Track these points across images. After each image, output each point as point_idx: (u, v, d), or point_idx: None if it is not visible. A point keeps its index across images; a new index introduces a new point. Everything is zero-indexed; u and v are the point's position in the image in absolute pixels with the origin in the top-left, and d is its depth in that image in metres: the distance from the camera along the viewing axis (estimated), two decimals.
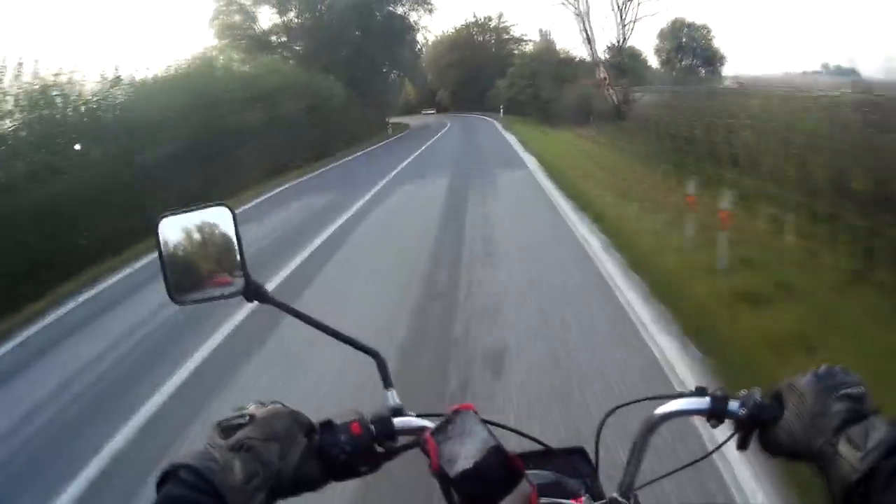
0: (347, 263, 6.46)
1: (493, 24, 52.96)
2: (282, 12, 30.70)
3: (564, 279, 5.08)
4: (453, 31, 54.59)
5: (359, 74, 29.14)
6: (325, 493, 0.67)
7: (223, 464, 0.56)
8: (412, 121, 45.48)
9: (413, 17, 36.55)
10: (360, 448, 0.67)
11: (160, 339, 4.85)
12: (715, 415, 0.69)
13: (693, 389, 0.72)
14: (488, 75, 44.80)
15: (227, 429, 0.64)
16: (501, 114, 34.66)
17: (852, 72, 11.37)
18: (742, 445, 0.69)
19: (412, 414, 0.75)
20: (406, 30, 35.72)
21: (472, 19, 53.89)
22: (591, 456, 0.80)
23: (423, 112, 59.82)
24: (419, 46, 40.32)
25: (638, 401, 0.77)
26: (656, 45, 40.17)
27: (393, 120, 52.87)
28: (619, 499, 0.73)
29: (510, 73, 34.42)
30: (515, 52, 48.93)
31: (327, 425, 0.68)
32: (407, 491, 2.02)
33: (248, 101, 15.88)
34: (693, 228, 5.65)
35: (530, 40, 49.45)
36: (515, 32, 52.51)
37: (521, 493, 0.61)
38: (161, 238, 0.81)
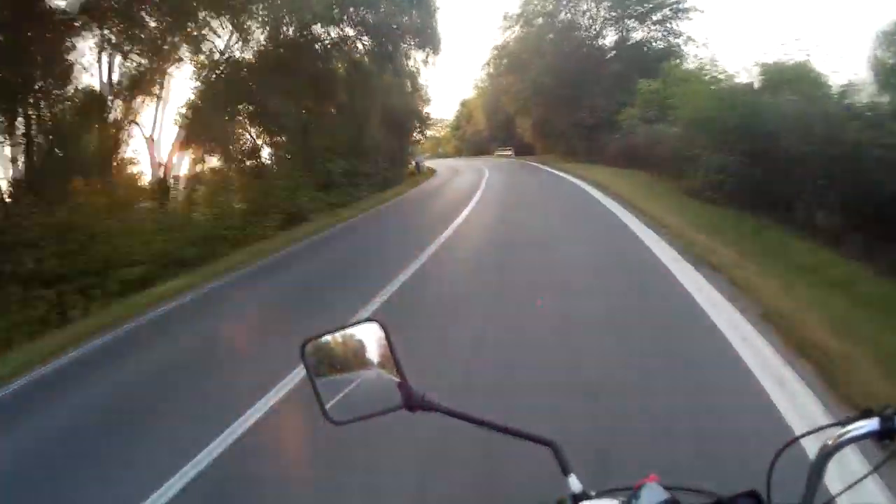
0: None
1: None
2: None
3: None
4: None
5: None
6: None
7: None
8: (454, 173, 25.43)
9: None
10: None
11: None
12: (885, 435, 0.67)
13: (859, 413, 0.69)
14: (618, 83, 22.66)
15: None
16: None
17: None
18: None
19: (593, 495, 0.74)
20: None
21: None
22: (764, 497, 0.74)
23: (498, 152, 40.02)
24: None
25: (804, 435, 0.75)
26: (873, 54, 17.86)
27: (432, 162, 33.66)
28: None
29: None
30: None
31: None
32: None
33: None
34: None
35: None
36: None
37: None
38: (307, 360, 0.83)
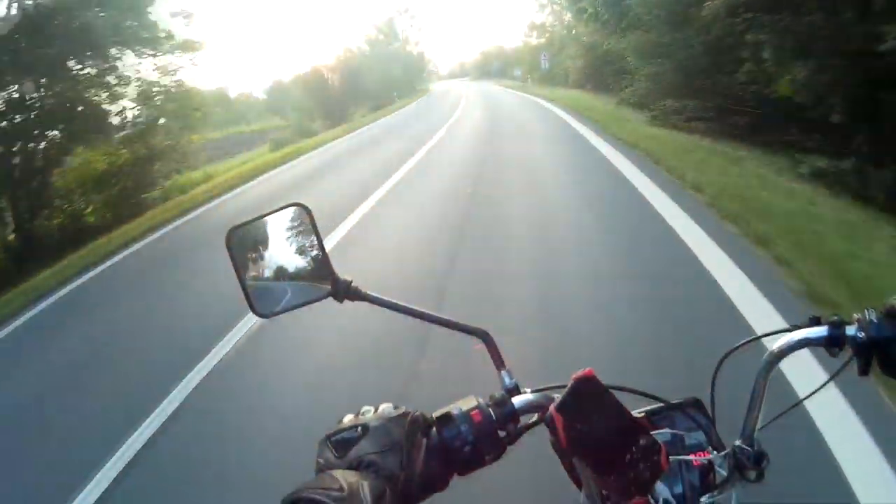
0: None
1: None
2: None
3: None
4: None
5: None
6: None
7: (348, 490, 0.51)
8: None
9: None
10: (482, 436, 0.63)
11: None
12: (833, 342, 0.65)
13: (807, 320, 0.67)
14: None
15: (339, 444, 0.59)
16: None
17: None
18: (864, 371, 0.64)
19: (528, 391, 0.70)
20: None
21: None
22: (707, 406, 0.74)
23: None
24: None
25: (750, 341, 0.72)
26: None
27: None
28: (743, 446, 0.70)
29: None
30: None
31: (446, 418, 0.64)
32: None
33: None
34: None
35: None
36: None
37: (652, 455, 0.59)
38: (233, 252, 0.76)
